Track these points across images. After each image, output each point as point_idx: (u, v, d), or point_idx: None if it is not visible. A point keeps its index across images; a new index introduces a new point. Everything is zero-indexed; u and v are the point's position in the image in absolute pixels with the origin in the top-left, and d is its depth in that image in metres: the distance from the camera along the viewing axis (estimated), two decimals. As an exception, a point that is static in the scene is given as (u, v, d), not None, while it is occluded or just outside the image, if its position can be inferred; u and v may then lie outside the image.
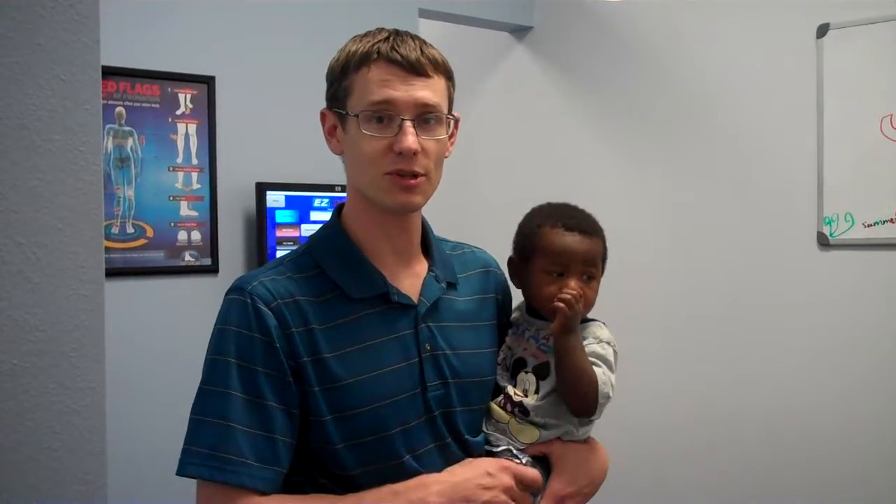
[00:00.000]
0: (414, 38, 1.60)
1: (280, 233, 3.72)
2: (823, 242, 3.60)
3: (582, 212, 1.78)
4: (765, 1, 3.76)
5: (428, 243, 1.71)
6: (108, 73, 3.37)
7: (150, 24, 3.50)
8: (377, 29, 1.61)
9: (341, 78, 1.59)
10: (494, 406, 1.72)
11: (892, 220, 3.42)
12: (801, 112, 3.64)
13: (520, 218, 1.82)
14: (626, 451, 4.01)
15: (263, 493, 1.50)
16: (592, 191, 3.96)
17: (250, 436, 1.49)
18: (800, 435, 3.68)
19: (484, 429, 1.71)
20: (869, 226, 3.48)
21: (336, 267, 1.60)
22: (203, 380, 1.54)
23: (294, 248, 3.70)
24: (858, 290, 3.54)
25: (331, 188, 3.74)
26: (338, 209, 1.70)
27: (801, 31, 3.64)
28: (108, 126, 3.40)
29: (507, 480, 1.59)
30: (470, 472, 1.58)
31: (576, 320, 1.65)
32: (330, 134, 1.64)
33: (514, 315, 1.82)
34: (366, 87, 1.55)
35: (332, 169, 3.99)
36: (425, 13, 4.20)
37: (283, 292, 1.54)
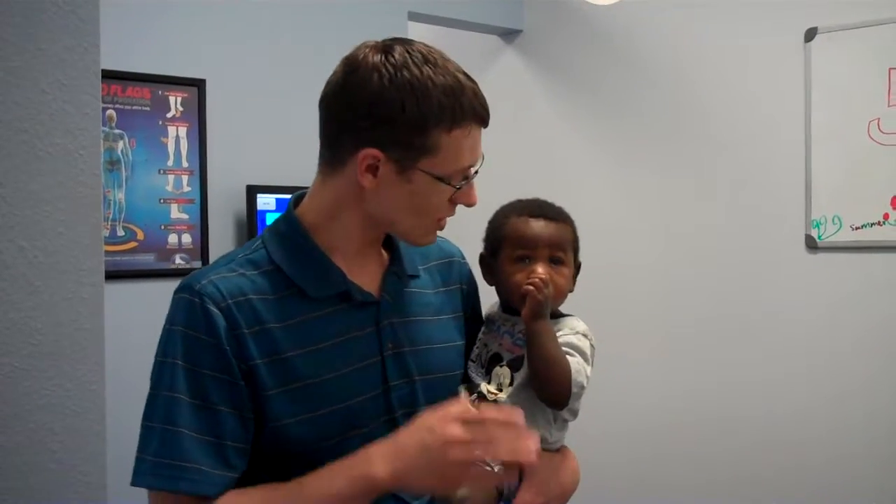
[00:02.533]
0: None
1: (271, 235, 3.72)
2: (811, 245, 3.62)
3: (549, 203, 1.77)
4: (753, 5, 3.78)
5: (389, 236, 1.65)
6: (99, 75, 3.36)
7: (142, 28, 3.49)
8: (440, 58, 1.49)
9: (422, 129, 1.45)
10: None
11: (879, 222, 3.44)
12: (790, 115, 3.66)
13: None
14: (610, 454, 4.04)
15: (214, 498, 1.43)
16: (582, 193, 3.98)
17: (199, 441, 1.42)
18: (788, 437, 3.70)
19: None
20: (857, 228, 3.50)
21: (293, 264, 1.52)
22: (151, 384, 1.48)
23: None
24: (846, 293, 3.56)
25: (321, 191, 3.72)
26: (294, 202, 1.60)
27: (790, 35, 3.66)
28: (98, 129, 3.40)
29: (453, 431, 1.37)
30: (413, 433, 1.41)
31: (545, 306, 1.62)
32: (370, 172, 1.47)
33: (488, 312, 1.80)
34: (459, 151, 1.48)
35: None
36: (415, 16, 4.22)
37: (234, 291, 1.46)
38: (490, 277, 1.76)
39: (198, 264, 3.63)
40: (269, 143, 3.81)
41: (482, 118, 1.49)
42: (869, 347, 3.51)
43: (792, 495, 3.67)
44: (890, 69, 3.41)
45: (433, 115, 1.44)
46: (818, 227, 3.59)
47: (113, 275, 3.41)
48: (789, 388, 3.71)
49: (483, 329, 1.76)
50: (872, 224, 3.46)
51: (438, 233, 1.69)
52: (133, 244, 3.50)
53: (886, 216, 3.43)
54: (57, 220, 1.21)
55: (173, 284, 3.90)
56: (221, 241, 3.72)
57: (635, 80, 4.18)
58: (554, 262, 1.69)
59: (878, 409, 3.48)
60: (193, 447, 1.42)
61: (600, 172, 4.30)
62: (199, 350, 1.44)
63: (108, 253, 3.41)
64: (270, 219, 3.72)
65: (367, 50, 1.48)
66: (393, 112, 1.44)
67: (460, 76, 1.48)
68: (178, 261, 3.60)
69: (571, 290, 1.74)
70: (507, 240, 1.71)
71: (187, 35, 3.63)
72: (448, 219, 1.58)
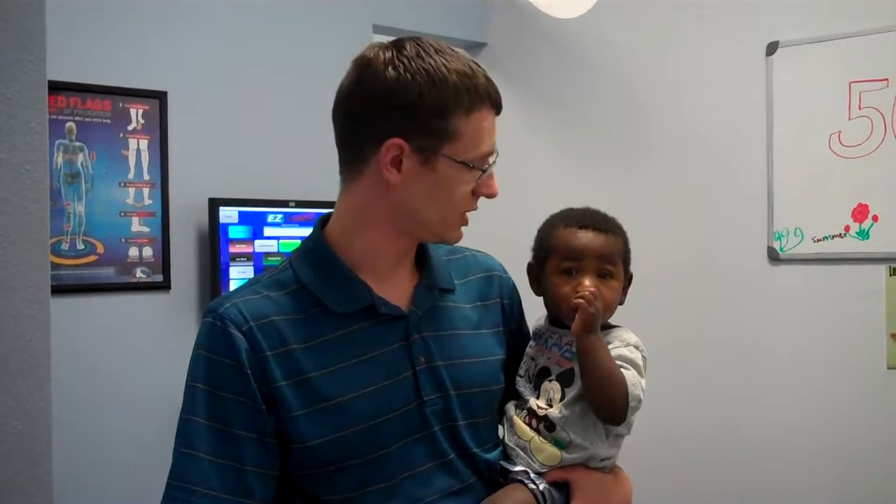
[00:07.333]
0: None
1: (233, 249, 3.69)
2: (773, 257, 3.64)
3: (601, 213, 1.73)
4: (715, 18, 3.80)
5: (423, 251, 1.63)
6: (59, 87, 3.33)
7: (102, 39, 3.46)
8: (449, 49, 1.50)
9: (443, 114, 1.44)
10: (518, 421, 1.64)
11: (840, 234, 3.47)
12: (751, 128, 3.68)
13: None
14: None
15: None
16: (545, 204, 3.96)
17: (215, 465, 1.41)
18: (748, 448, 3.71)
19: (505, 441, 1.64)
20: (818, 240, 3.52)
21: (318, 281, 1.51)
22: (181, 408, 1.47)
23: (247, 263, 3.69)
24: (808, 304, 3.58)
25: (284, 203, 3.71)
26: (320, 222, 1.59)
27: (751, 49, 3.69)
28: (58, 141, 3.36)
29: None
30: None
31: (596, 319, 1.57)
32: (393, 164, 1.46)
33: (535, 325, 1.76)
34: (480, 135, 1.47)
35: (286, 184, 3.96)
36: (379, 29, 4.21)
37: (257, 313, 1.45)
38: (537, 287, 1.72)
39: (159, 278, 3.60)
40: (231, 155, 3.78)
41: (497, 103, 1.50)
42: (830, 359, 3.52)
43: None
44: (850, 83, 3.44)
45: (452, 99, 1.44)
46: (780, 240, 3.61)
47: (73, 288, 3.38)
48: (749, 398, 3.72)
49: (531, 343, 1.72)
50: (834, 236, 3.48)
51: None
52: (93, 258, 3.46)
53: (847, 228, 3.45)
54: (1, 235, 1.18)
55: (134, 298, 3.87)
56: (183, 255, 3.69)
57: (599, 93, 4.19)
58: (602, 275, 1.65)
59: (838, 418, 3.50)
60: (209, 471, 1.41)
61: (563, 184, 4.30)
62: (220, 373, 1.43)
63: (67, 266, 3.38)
64: (233, 232, 3.69)
65: (377, 48, 1.49)
66: (412, 98, 1.43)
67: (472, 64, 1.49)
68: (139, 274, 3.56)
69: (621, 303, 1.70)
70: (554, 250, 1.68)
71: (149, 47, 3.60)
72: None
